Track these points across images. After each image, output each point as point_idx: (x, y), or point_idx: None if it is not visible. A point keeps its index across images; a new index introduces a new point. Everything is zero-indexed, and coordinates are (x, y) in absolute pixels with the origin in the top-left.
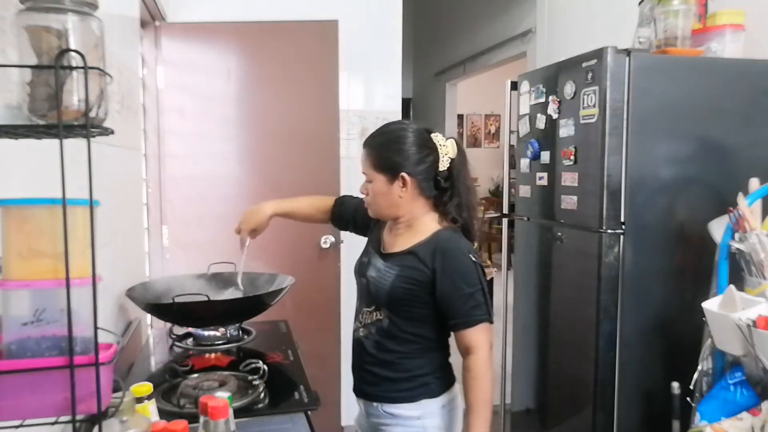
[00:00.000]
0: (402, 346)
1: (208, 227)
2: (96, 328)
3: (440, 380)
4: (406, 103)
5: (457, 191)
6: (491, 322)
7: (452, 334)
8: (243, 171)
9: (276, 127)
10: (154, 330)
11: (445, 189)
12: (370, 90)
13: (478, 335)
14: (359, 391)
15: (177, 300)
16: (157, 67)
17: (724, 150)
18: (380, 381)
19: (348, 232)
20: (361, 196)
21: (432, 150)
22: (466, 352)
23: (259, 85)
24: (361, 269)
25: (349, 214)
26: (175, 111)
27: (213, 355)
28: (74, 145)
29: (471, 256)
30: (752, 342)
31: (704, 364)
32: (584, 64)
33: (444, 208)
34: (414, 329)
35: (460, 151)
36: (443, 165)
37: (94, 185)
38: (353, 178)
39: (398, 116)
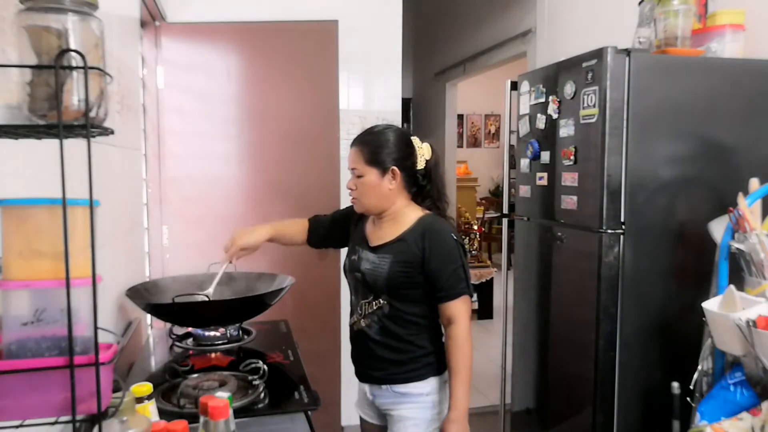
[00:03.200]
0: (404, 328)
1: (208, 227)
2: (96, 328)
3: (441, 357)
4: (406, 103)
5: (435, 184)
6: (471, 295)
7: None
8: (243, 171)
9: (276, 126)
10: (154, 330)
11: (423, 185)
12: (370, 90)
13: (459, 306)
14: (366, 376)
15: (177, 300)
16: (157, 67)
17: (724, 150)
18: (388, 365)
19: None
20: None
21: (413, 149)
22: (448, 322)
23: (259, 85)
24: (353, 266)
25: (325, 229)
26: (175, 111)
27: (213, 355)
28: (74, 145)
29: (453, 235)
30: (752, 342)
31: (704, 364)
32: (584, 64)
33: (423, 202)
34: (413, 310)
35: (434, 153)
36: (420, 164)
37: (94, 185)
38: None
39: (398, 116)
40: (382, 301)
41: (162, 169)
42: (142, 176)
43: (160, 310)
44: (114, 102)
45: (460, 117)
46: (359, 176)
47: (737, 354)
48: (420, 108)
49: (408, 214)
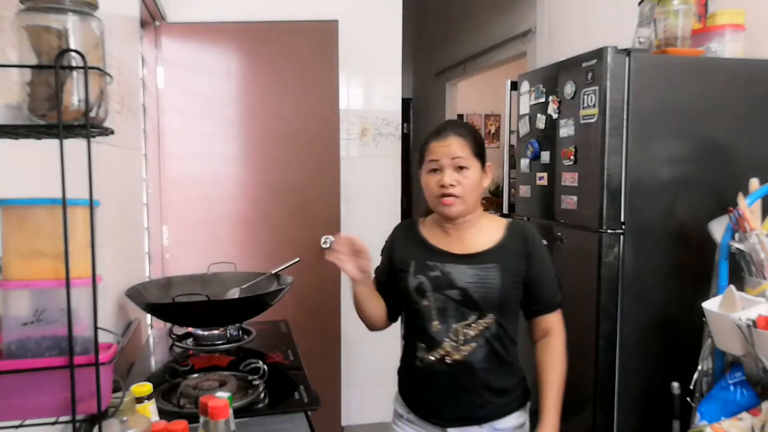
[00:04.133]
0: (508, 349)
1: (208, 227)
2: (96, 328)
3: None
4: (406, 103)
5: None
6: (562, 305)
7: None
8: (243, 171)
9: (276, 127)
10: (154, 330)
11: None
12: (370, 90)
13: (558, 318)
14: (459, 419)
15: (177, 300)
16: (157, 67)
17: (724, 150)
18: (495, 397)
19: (349, 233)
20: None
21: None
22: (544, 334)
23: (259, 85)
24: (442, 283)
25: (387, 290)
26: (175, 111)
27: (213, 355)
28: (74, 145)
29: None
30: (752, 342)
31: (704, 364)
32: (584, 64)
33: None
34: (514, 326)
35: None
36: None
37: (94, 185)
38: (353, 178)
39: (398, 116)
40: (488, 320)
41: (162, 169)
42: (142, 176)
43: (160, 310)
44: (114, 102)
45: (460, 117)
46: (462, 168)
47: (737, 354)
48: (420, 108)
49: (488, 220)
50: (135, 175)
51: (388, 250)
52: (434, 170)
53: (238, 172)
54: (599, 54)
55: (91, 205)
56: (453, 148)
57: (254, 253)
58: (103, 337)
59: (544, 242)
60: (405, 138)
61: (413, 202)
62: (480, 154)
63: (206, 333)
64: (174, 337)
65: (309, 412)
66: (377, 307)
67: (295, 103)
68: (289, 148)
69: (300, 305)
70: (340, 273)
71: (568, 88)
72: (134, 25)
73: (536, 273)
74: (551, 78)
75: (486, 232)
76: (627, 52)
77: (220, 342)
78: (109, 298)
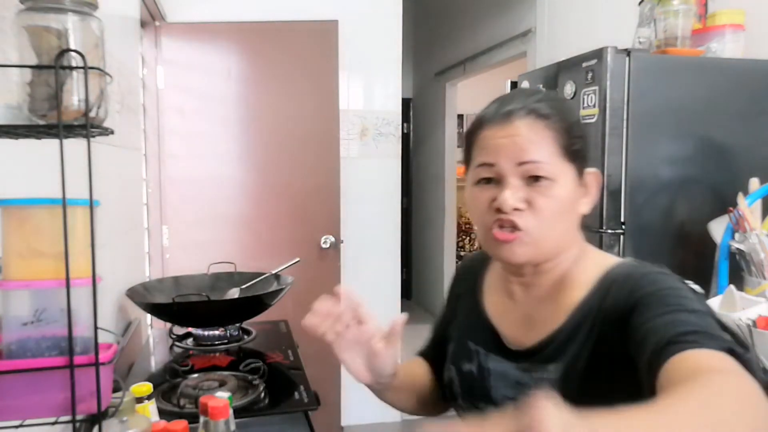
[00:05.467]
0: None
1: (208, 227)
2: (96, 328)
3: None
4: (406, 103)
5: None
6: (740, 356)
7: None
8: (243, 171)
9: (276, 127)
10: (154, 330)
11: None
12: (370, 90)
13: (715, 356)
14: None
15: (177, 300)
16: (157, 67)
17: (724, 150)
18: None
19: (349, 233)
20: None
21: None
22: (691, 374)
23: (259, 85)
24: (473, 387)
25: (435, 355)
26: (175, 111)
27: (213, 355)
28: (74, 145)
29: (678, 279)
30: (752, 342)
31: None
32: (584, 64)
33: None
34: None
35: None
36: None
37: (94, 185)
38: (353, 178)
39: (398, 116)
40: None
41: (162, 169)
42: (142, 176)
43: (160, 310)
44: (114, 102)
45: (460, 117)
46: (539, 178)
47: None
48: (420, 108)
49: (585, 267)
50: (135, 175)
51: (451, 293)
52: (487, 180)
53: (238, 172)
54: (599, 54)
55: (91, 205)
56: (522, 140)
57: (254, 253)
58: (103, 337)
59: (694, 286)
60: (405, 138)
61: (413, 202)
62: (575, 153)
63: (206, 333)
64: (174, 337)
65: (309, 412)
66: (417, 382)
67: (295, 103)
68: (289, 148)
69: (300, 305)
70: (340, 273)
71: (568, 88)
72: (134, 25)
73: (655, 316)
74: (551, 78)
75: (568, 293)
76: (627, 52)
77: (220, 342)
78: (109, 298)
